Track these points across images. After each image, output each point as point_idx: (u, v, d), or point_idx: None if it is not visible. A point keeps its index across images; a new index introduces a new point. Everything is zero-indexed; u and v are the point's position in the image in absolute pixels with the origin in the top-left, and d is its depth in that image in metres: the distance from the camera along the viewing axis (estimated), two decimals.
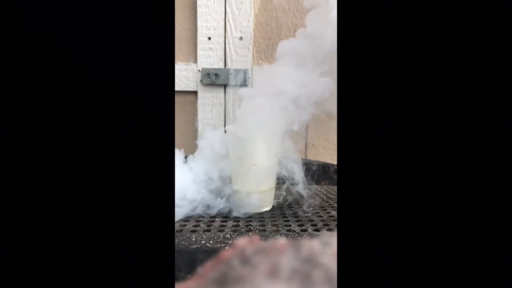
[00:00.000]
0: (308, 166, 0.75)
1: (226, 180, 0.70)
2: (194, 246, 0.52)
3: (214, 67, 0.94)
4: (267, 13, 0.95)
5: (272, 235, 0.56)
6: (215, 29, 0.93)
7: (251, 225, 0.60)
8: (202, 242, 0.53)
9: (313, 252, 0.19)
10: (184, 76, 0.95)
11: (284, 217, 0.64)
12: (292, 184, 0.71)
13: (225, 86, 0.95)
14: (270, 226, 0.59)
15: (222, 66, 0.94)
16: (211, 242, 0.53)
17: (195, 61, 0.95)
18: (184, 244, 0.52)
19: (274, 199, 0.71)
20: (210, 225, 0.60)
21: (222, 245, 0.52)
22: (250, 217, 0.64)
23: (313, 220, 0.62)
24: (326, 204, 0.73)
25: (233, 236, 0.55)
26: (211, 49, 0.94)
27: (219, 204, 0.65)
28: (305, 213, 0.66)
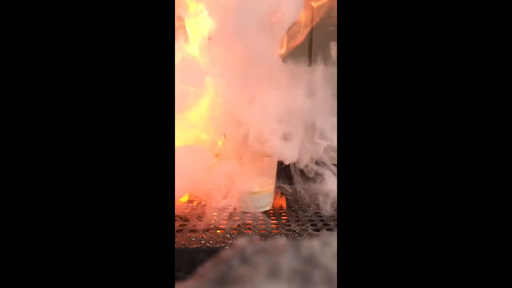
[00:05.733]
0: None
1: None
2: (194, 246, 0.52)
3: None
4: None
5: (272, 235, 0.56)
6: None
7: (251, 225, 0.60)
8: (202, 242, 0.53)
9: (313, 252, 0.19)
10: None
11: (284, 217, 0.64)
12: None
13: None
14: (270, 225, 0.59)
15: None
16: (211, 242, 0.53)
17: None
18: (184, 244, 0.52)
19: None
20: (210, 225, 0.60)
21: (222, 245, 0.52)
22: (250, 216, 0.64)
23: (313, 220, 0.62)
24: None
25: (233, 236, 0.55)
26: None
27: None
28: (305, 213, 0.66)
